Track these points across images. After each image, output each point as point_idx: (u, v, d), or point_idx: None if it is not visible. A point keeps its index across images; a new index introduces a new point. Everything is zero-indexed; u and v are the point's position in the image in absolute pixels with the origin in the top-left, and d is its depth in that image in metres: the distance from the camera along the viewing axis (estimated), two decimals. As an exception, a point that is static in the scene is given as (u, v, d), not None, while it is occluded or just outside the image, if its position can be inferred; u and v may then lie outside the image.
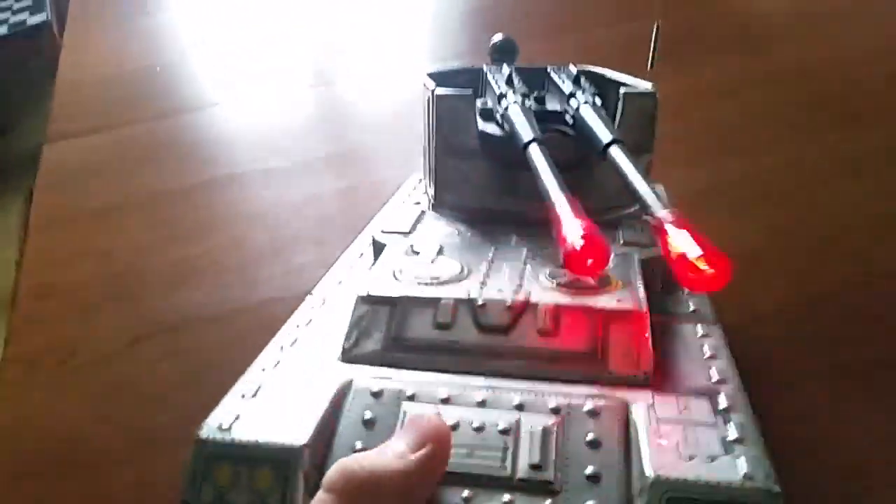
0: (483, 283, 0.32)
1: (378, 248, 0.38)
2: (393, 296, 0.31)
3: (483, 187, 0.39)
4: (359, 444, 0.26)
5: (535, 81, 0.42)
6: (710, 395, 0.27)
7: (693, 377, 0.28)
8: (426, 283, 0.32)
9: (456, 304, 0.30)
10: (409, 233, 0.38)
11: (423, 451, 0.23)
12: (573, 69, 0.41)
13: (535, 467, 0.24)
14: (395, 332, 0.30)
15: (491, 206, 0.39)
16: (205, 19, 0.91)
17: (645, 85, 0.38)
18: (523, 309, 0.29)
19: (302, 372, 0.30)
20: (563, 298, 0.30)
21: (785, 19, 0.82)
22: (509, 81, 0.40)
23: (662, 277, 0.34)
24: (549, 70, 0.42)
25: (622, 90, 0.37)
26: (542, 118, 0.37)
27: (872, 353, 0.43)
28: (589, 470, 0.24)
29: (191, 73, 0.80)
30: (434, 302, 0.30)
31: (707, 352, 0.30)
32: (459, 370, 0.29)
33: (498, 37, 0.46)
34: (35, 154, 0.72)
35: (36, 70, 0.93)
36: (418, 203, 0.43)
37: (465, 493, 0.24)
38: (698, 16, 0.80)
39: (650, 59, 0.41)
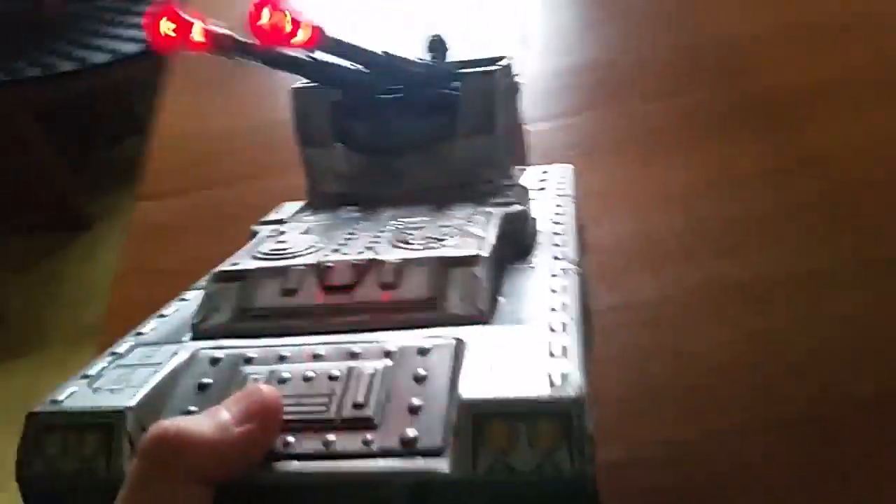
0: (335, 250, 0.32)
1: (251, 237, 0.38)
2: (242, 269, 0.31)
3: (353, 175, 0.40)
4: (191, 408, 0.25)
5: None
6: (541, 322, 0.27)
7: (531, 310, 0.28)
8: (278, 258, 0.32)
9: (303, 270, 0.30)
10: (284, 222, 0.39)
11: (246, 427, 0.22)
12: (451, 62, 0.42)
13: (357, 406, 0.24)
14: (243, 304, 0.30)
15: (366, 193, 0.39)
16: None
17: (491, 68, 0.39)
18: (368, 267, 0.30)
19: (148, 353, 0.29)
20: (408, 254, 0.30)
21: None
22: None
23: (532, 233, 0.36)
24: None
25: (464, 70, 0.39)
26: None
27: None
28: (413, 402, 0.24)
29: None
30: (283, 271, 0.30)
31: (556, 289, 0.30)
32: (305, 332, 0.28)
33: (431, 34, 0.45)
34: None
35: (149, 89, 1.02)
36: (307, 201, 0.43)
37: (289, 438, 0.24)
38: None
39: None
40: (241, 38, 0.30)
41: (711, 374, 0.48)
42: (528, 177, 0.45)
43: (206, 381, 0.26)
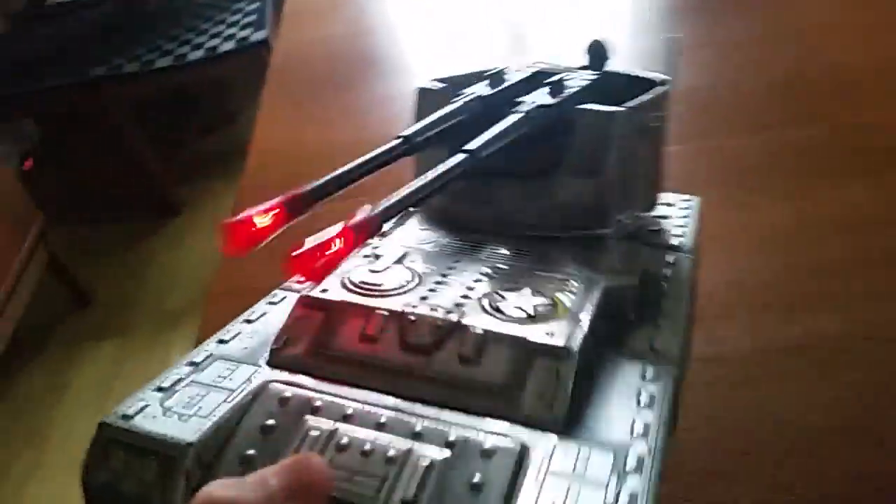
0: (424, 297, 0.30)
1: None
2: (328, 300, 0.30)
3: (459, 193, 0.36)
4: (251, 452, 0.25)
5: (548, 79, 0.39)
6: (619, 450, 0.25)
7: (612, 427, 0.26)
8: (368, 292, 0.31)
9: (386, 317, 0.29)
10: (383, 234, 0.37)
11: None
12: (586, 76, 0.39)
13: (407, 502, 0.23)
14: (322, 340, 0.29)
15: (469, 214, 0.37)
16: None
17: (613, 108, 0.35)
18: (451, 331, 0.28)
19: (224, 372, 0.29)
20: (495, 324, 0.28)
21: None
22: (497, 76, 0.39)
23: (637, 307, 0.33)
24: (565, 74, 0.40)
25: (586, 106, 0.35)
26: (495, 118, 0.35)
27: None
28: None
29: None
30: (368, 311, 0.29)
31: (643, 399, 0.28)
32: (376, 388, 0.27)
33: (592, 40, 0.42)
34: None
35: (255, 76, 1.05)
36: None
37: None
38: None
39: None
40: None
41: (804, 439, 0.46)
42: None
43: (270, 423, 0.26)
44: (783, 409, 0.48)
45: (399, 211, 0.29)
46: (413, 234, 0.37)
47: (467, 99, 0.36)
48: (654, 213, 0.41)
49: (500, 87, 0.38)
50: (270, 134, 0.86)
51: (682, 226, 0.41)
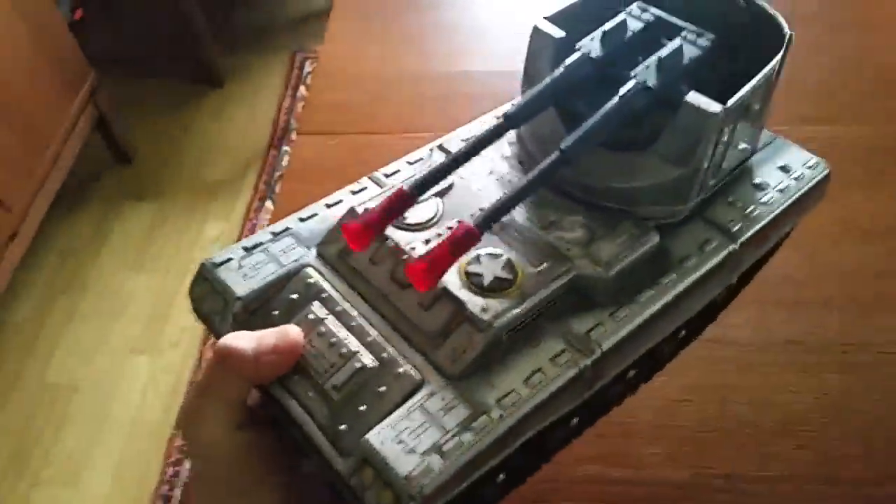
0: (428, 241, 0.35)
1: (442, 149, 0.41)
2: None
3: (549, 141, 0.36)
4: (276, 312, 0.35)
5: (670, 38, 0.38)
6: (476, 411, 0.30)
7: (489, 392, 0.31)
8: (397, 219, 0.36)
9: (390, 248, 0.35)
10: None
11: (271, 357, 0.32)
12: (702, 44, 0.37)
13: (336, 386, 0.32)
14: (347, 249, 0.36)
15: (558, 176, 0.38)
16: None
17: (715, 105, 0.34)
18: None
19: (286, 247, 0.37)
20: (456, 285, 0.33)
21: None
22: (613, 33, 0.38)
23: (612, 294, 0.35)
24: (682, 35, 0.38)
25: (687, 97, 0.35)
26: (608, 83, 0.36)
27: None
28: (360, 409, 0.31)
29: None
30: (382, 238, 0.35)
31: (534, 378, 0.32)
32: (366, 298, 0.35)
33: None
34: (299, 20, 0.83)
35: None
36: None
37: (295, 376, 0.33)
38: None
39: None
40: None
41: (780, 423, 0.54)
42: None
43: (294, 296, 0.35)
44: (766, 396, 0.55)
45: (500, 217, 0.34)
46: (485, 165, 0.40)
47: (576, 61, 0.37)
48: (759, 175, 0.41)
49: (611, 48, 0.37)
50: (335, 52, 0.89)
51: (766, 202, 0.40)
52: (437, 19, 0.93)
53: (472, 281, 0.33)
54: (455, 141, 0.42)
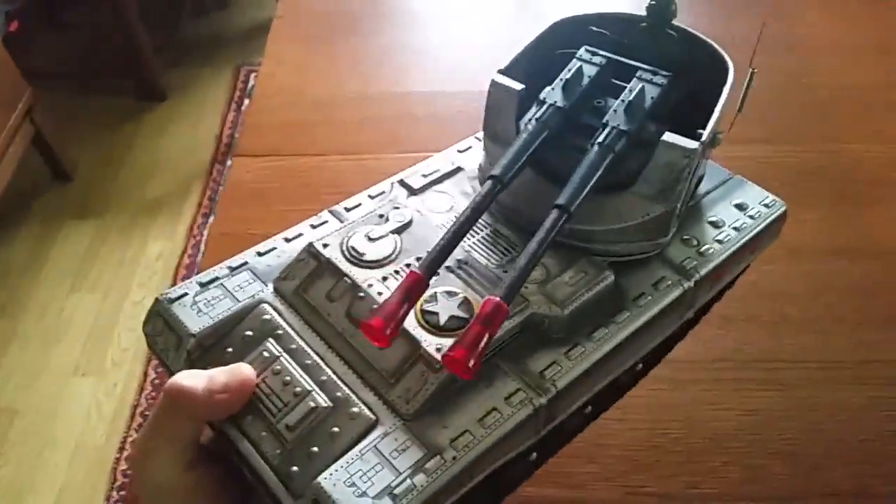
0: (385, 278, 0.35)
1: (403, 185, 0.42)
2: (323, 256, 0.36)
3: (519, 189, 0.37)
4: (230, 350, 0.35)
5: (625, 77, 0.39)
6: (430, 451, 0.31)
7: (443, 432, 0.31)
8: (353, 258, 0.36)
9: (347, 285, 0.35)
10: (419, 189, 0.41)
11: (223, 396, 0.32)
12: (659, 81, 0.38)
13: (289, 426, 0.32)
14: (306, 285, 0.36)
15: (522, 211, 0.39)
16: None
17: (692, 143, 0.35)
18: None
19: (243, 283, 0.37)
20: (413, 324, 0.33)
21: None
22: (573, 81, 0.38)
23: (567, 330, 0.35)
24: (637, 76, 0.39)
25: (664, 137, 0.35)
26: (575, 130, 0.37)
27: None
28: (313, 449, 0.31)
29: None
30: (339, 275, 0.35)
31: (489, 419, 0.32)
32: (323, 337, 0.35)
33: None
34: (244, 33, 0.82)
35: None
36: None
37: (248, 416, 0.33)
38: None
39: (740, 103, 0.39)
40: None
41: (710, 441, 0.55)
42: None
43: (248, 334, 0.35)
44: (698, 414, 0.57)
45: (521, 286, 0.32)
46: (443, 197, 0.41)
47: (547, 113, 0.37)
48: (715, 213, 0.42)
49: (574, 96, 0.38)
50: (275, 73, 0.88)
51: (720, 240, 0.41)
52: (378, 42, 0.93)
53: (428, 320, 0.33)
54: (415, 177, 0.42)
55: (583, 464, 0.54)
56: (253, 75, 2.12)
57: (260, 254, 0.39)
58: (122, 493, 1.36)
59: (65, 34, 2.21)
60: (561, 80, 0.39)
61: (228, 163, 1.91)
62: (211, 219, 1.80)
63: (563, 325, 0.35)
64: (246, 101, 2.06)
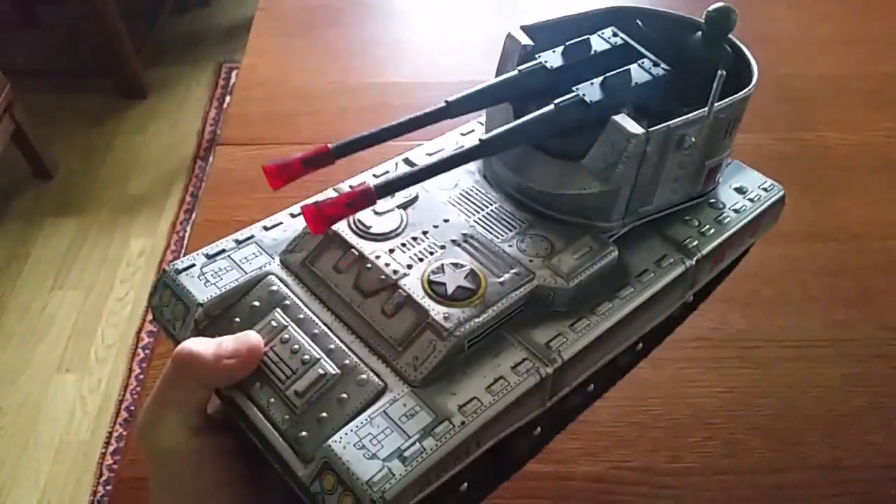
0: (392, 250, 0.36)
1: (408, 162, 0.42)
2: (330, 229, 0.36)
3: (513, 162, 0.39)
4: (237, 319, 0.35)
5: (628, 59, 0.39)
6: (439, 416, 0.31)
7: (452, 399, 0.32)
8: (360, 231, 0.36)
9: (355, 257, 0.35)
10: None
11: (231, 361, 0.32)
12: (654, 71, 0.38)
13: (298, 393, 0.32)
14: (313, 257, 0.36)
15: (503, 175, 0.40)
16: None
17: (637, 127, 0.35)
18: (386, 287, 0.34)
19: (250, 255, 0.38)
20: (420, 293, 0.34)
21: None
22: (575, 48, 0.39)
23: (572, 302, 0.36)
24: (640, 62, 0.39)
25: (614, 117, 0.35)
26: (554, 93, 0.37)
27: None
28: (322, 415, 0.31)
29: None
30: (347, 247, 0.36)
31: (497, 386, 0.32)
32: (330, 307, 0.35)
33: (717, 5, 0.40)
34: (225, 31, 0.82)
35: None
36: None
37: (256, 383, 0.33)
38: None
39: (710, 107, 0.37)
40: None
41: (691, 417, 0.57)
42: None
43: (256, 304, 0.36)
44: (677, 391, 0.58)
45: (398, 189, 0.33)
46: (448, 175, 0.40)
47: (529, 67, 0.38)
48: (715, 196, 0.42)
49: (570, 62, 0.39)
50: (257, 65, 0.89)
51: (721, 220, 0.41)
52: (357, 34, 0.94)
53: (436, 290, 0.34)
54: (420, 155, 0.43)
55: (567, 440, 0.56)
56: (235, 72, 2.12)
57: (266, 228, 0.39)
58: (108, 487, 1.36)
59: (43, 32, 2.19)
60: (564, 44, 0.39)
61: (211, 159, 1.91)
62: (194, 215, 1.80)
63: (568, 298, 0.36)
64: (227, 98, 2.06)
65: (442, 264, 0.35)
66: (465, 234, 0.37)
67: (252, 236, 0.39)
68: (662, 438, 0.56)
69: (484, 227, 0.38)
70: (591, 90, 0.37)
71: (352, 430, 0.30)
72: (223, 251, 0.38)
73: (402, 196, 0.39)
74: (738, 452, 0.55)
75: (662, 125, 0.36)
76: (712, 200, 0.42)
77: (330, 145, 0.33)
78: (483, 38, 0.86)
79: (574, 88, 0.37)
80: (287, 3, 0.98)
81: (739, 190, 0.44)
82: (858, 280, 0.66)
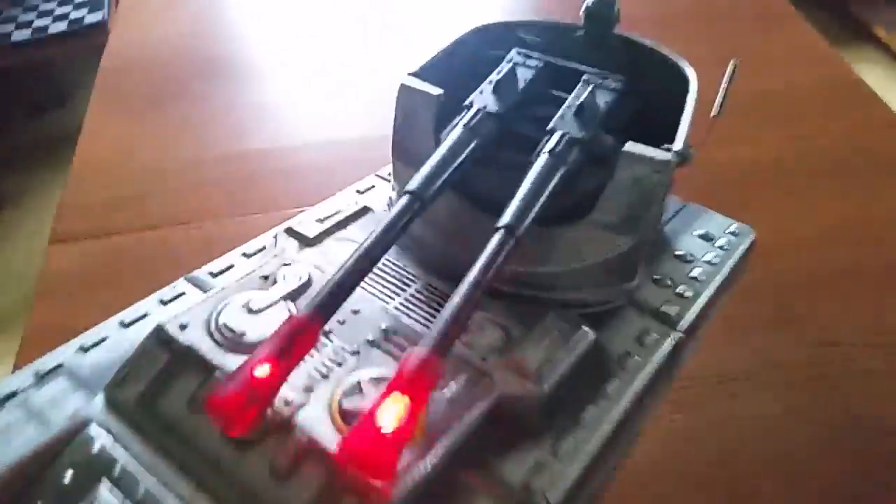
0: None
1: (292, 234, 0.32)
2: (179, 341, 0.25)
3: (445, 221, 0.30)
4: None
5: (565, 86, 0.32)
6: None
7: None
8: (226, 339, 0.26)
9: (220, 383, 0.24)
10: (316, 239, 0.32)
11: None
12: (611, 86, 0.32)
13: None
14: (157, 388, 0.25)
15: (456, 256, 0.28)
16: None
17: (662, 154, 0.28)
18: (274, 428, 0.23)
19: (61, 392, 0.26)
20: (328, 436, 0.23)
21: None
22: (506, 83, 0.32)
23: (545, 415, 0.26)
24: (585, 79, 0.32)
25: (626, 147, 0.28)
26: (512, 146, 0.30)
27: None
28: None
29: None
30: (207, 369, 0.25)
31: None
32: (186, 468, 0.23)
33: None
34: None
35: (90, 59, 0.98)
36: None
37: None
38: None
39: (719, 103, 0.32)
40: None
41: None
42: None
43: (67, 476, 0.23)
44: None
45: (457, 334, 0.23)
46: (346, 246, 0.32)
47: (475, 119, 0.30)
48: (679, 247, 0.35)
49: (508, 102, 0.31)
50: (95, 148, 0.80)
51: (696, 278, 0.34)
52: (210, 104, 0.86)
53: (352, 424, 0.22)
54: (308, 223, 0.33)
55: None
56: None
57: (84, 349, 0.27)
58: None
59: None
60: (491, 81, 0.32)
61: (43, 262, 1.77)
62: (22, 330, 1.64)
63: (542, 407, 0.26)
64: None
65: (358, 381, 0.25)
66: (384, 330, 0.27)
67: (60, 364, 0.27)
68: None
69: (409, 316, 0.28)
70: (567, 125, 0.29)
71: None
72: (13, 394, 0.26)
73: (288, 282, 0.29)
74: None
75: (682, 142, 0.28)
76: (678, 252, 0.34)
77: (305, 312, 0.23)
78: (349, 91, 0.81)
79: (548, 128, 0.29)
80: (126, 82, 0.90)
81: (705, 237, 0.36)
82: (771, 299, 0.61)
